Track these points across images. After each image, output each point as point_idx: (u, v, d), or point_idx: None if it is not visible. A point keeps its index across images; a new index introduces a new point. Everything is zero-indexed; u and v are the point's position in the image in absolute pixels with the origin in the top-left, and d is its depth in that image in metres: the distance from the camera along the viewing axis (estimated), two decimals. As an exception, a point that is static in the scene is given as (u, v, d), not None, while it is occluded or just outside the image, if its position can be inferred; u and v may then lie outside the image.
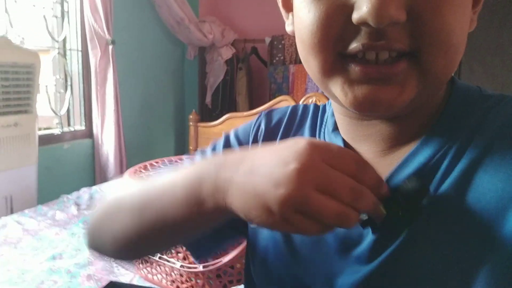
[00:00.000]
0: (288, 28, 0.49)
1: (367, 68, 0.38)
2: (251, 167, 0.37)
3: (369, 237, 0.43)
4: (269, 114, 0.60)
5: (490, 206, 0.37)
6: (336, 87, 0.40)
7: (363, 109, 0.39)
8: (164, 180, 0.46)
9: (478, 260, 0.37)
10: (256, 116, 0.61)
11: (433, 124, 0.44)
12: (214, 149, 0.61)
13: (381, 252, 0.42)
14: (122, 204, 0.50)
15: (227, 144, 0.60)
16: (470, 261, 0.37)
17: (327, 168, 0.34)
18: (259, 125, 0.59)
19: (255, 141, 0.58)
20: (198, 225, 0.45)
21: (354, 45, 0.38)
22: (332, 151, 0.35)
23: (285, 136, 0.56)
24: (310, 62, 0.42)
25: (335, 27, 0.38)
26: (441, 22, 0.36)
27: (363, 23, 0.35)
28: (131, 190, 0.51)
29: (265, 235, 0.53)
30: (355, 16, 0.36)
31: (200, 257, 0.61)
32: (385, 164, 0.45)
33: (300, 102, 1.86)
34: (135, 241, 0.49)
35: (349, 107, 0.40)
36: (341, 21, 0.37)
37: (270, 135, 0.57)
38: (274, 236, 0.52)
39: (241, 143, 0.59)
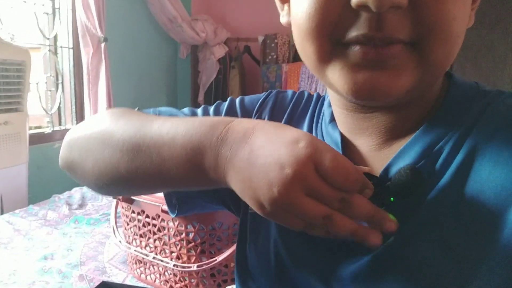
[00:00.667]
0: (283, 19, 0.48)
1: (367, 50, 0.37)
2: (249, 154, 0.37)
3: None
4: (278, 94, 0.60)
5: (489, 203, 0.37)
6: (335, 72, 0.40)
7: (362, 96, 0.39)
8: (162, 128, 0.45)
9: (479, 255, 0.37)
10: (265, 93, 0.60)
11: (431, 116, 0.44)
12: (217, 109, 0.60)
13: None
14: (112, 138, 0.48)
15: (231, 109, 0.59)
16: (470, 255, 0.38)
17: (317, 179, 0.35)
18: (267, 103, 0.59)
19: (259, 117, 0.58)
20: (195, 186, 0.46)
21: (354, 34, 0.37)
22: (325, 162, 0.35)
23: (288, 121, 0.56)
24: (306, 49, 0.41)
25: (333, 11, 0.37)
26: (443, 9, 0.36)
27: (362, 6, 0.35)
28: (122, 124, 0.48)
29: (266, 224, 0.53)
30: (354, 0, 0.35)
31: (179, 214, 0.60)
32: (381, 158, 0.45)
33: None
34: (123, 181, 0.48)
35: (348, 94, 0.39)
36: (339, 6, 0.37)
37: (275, 118, 0.57)
38: (273, 228, 0.52)
39: (245, 112, 0.59)
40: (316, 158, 0.35)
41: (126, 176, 0.46)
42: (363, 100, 0.40)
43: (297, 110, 0.57)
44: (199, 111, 0.60)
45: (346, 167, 0.35)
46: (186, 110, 0.61)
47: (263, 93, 0.61)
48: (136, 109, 0.58)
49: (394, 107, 0.43)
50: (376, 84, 0.38)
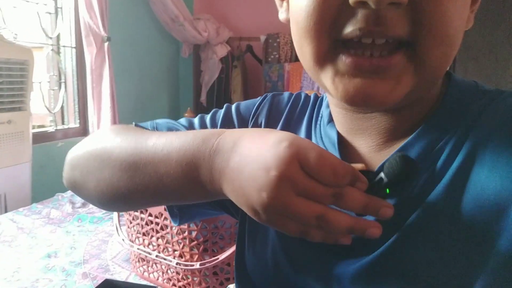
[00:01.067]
0: (282, 16, 0.48)
1: (358, 60, 0.37)
2: (238, 162, 0.37)
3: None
4: (274, 98, 0.59)
5: (489, 203, 0.37)
6: (327, 79, 0.40)
7: (355, 103, 0.39)
8: (157, 145, 0.45)
9: (478, 258, 0.37)
10: (261, 97, 0.60)
11: (431, 116, 0.43)
12: (213, 118, 0.60)
13: (378, 244, 0.42)
14: (110, 157, 0.48)
15: (227, 116, 0.59)
16: (470, 258, 0.37)
17: (305, 178, 0.34)
18: (263, 107, 0.59)
19: (255, 122, 0.58)
20: (195, 199, 0.46)
21: (350, 29, 0.37)
22: (310, 160, 0.34)
23: (286, 125, 0.56)
24: (304, 48, 0.41)
25: (331, 9, 0.37)
26: (441, 10, 0.36)
27: (361, 3, 0.34)
28: (119, 142, 0.49)
29: (264, 228, 0.53)
30: None
31: (182, 222, 0.60)
32: (381, 159, 0.45)
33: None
34: (125, 198, 0.48)
35: (341, 101, 0.40)
36: (338, 3, 0.37)
37: (271, 122, 0.57)
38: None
39: (241, 119, 0.59)
40: (301, 156, 0.34)
41: (127, 194, 0.47)
42: (358, 106, 0.40)
43: (295, 113, 0.57)
44: (196, 121, 0.60)
45: (332, 163, 0.34)
46: (183, 121, 0.61)
47: (259, 98, 0.60)
48: (133, 124, 0.58)
49: (392, 110, 0.43)
50: (371, 92, 0.37)
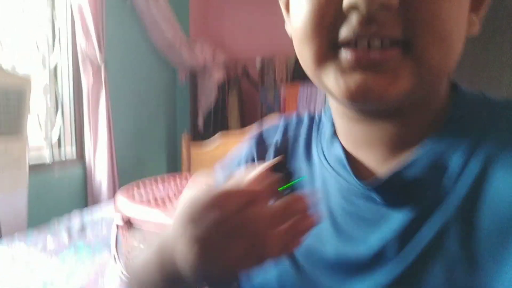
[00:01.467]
0: (288, 28, 0.50)
1: (357, 53, 0.38)
2: (180, 250, 0.40)
3: (372, 249, 0.43)
4: (260, 136, 0.60)
5: (505, 217, 0.37)
6: (329, 77, 0.40)
7: (356, 99, 0.39)
8: (139, 269, 0.49)
9: (494, 275, 0.36)
10: (245, 143, 0.61)
11: (439, 126, 0.43)
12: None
13: (394, 264, 0.41)
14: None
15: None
16: (486, 276, 0.36)
17: (212, 225, 0.37)
18: (250, 152, 0.59)
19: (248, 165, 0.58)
20: None
21: (345, 33, 0.38)
22: (198, 210, 0.38)
23: (280, 153, 0.56)
24: (303, 52, 0.42)
25: (328, 15, 0.38)
26: (434, 10, 0.36)
27: (353, 8, 0.36)
28: (132, 269, 0.53)
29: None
30: (345, 3, 0.36)
31: None
32: (387, 171, 0.44)
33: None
34: None
35: (342, 97, 0.40)
36: (333, 10, 0.38)
37: (263, 158, 0.57)
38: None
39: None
40: (191, 211, 0.38)
41: None
42: (358, 103, 0.40)
43: (288, 139, 0.57)
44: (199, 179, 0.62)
45: (206, 204, 0.38)
46: None
47: (244, 143, 0.61)
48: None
49: (397, 116, 0.43)
50: (370, 86, 0.38)
